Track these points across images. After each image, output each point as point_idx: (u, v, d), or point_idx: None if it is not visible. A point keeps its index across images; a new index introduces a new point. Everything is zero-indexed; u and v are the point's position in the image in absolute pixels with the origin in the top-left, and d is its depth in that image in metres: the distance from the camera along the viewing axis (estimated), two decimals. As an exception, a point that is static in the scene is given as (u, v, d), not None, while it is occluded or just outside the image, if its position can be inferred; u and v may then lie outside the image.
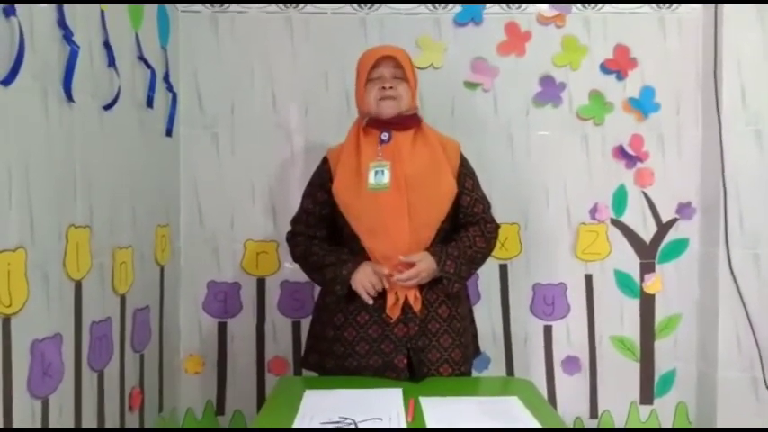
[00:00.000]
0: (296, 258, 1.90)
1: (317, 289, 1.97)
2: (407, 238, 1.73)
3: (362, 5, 2.34)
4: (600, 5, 2.36)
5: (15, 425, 1.24)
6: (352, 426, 1.33)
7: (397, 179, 1.73)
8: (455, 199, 1.80)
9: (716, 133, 2.29)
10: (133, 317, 1.87)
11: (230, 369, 2.39)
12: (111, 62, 1.66)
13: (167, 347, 2.21)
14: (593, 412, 2.42)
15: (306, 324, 2.25)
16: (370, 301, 1.72)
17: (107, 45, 1.64)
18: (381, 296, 1.74)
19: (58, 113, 1.41)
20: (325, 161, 1.87)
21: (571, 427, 2.39)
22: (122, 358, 1.80)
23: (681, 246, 2.41)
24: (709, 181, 2.36)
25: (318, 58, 2.34)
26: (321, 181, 1.85)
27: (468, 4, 2.34)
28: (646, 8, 2.37)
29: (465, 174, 1.84)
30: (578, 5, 2.36)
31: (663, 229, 2.41)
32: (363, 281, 1.72)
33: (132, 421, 1.88)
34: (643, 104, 2.38)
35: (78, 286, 1.51)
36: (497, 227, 1.88)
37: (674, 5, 2.37)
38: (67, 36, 1.42)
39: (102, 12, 1.62)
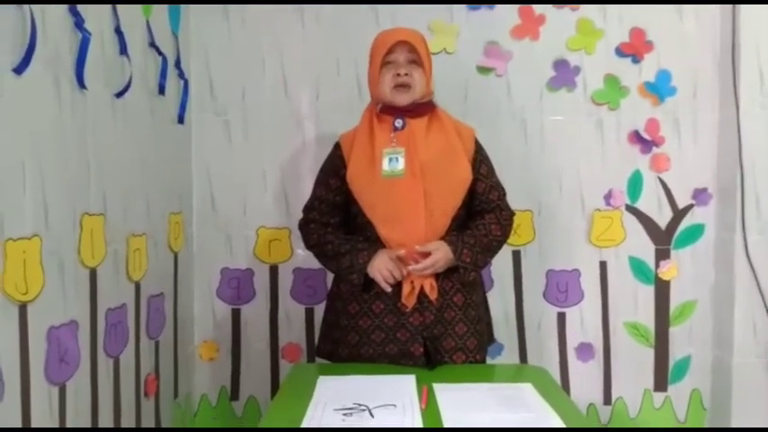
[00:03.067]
0: (310, 246, 1.89)
1: (330, 276, 1.97)
2: (423, 225, 1.72)
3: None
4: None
5: (33, 411, 1.25)
6: (366, 411, 1.34)
7: (412, 166, 1.71)
8: (470, 185, 1.78)
9: (733, 117, 2.25)
10: (148, 304, 1.88)
11: (244, 355, 2.40)
12: (123, 49, 1.66)
13: (182, 334, 2.23)
14: (607, 399, 2.41)
15: (318, 311, 2.26)
16: (389, 289, 1.72)
17: (119, 32, 1.64)
18: (397, 285, 1.73)
19: (70, 101, 1.41)
20: (337, 147, 1.85)
21: (584, 414, 2.38)
22: (137, 345, 1.81)
23: (697, 231, 2.38)
24: (725, 166, 2.32)
25: (330, 44, 2.32)
26: (334, 168, 1.84)
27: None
28: (662, -10, 2.33)
29: (480, 160, 1.83)
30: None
31: (679, 214, 2.38)
32: (381, 268, 1.71)
33: (148, 407, 1.90)
34: (659, 88, 2.34)
35: (93, 273, 1.52)
36: (512, 214, 1.87)
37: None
38: (79, 23, 1.42)
39: (114, -2, 1.62)
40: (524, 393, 1.48)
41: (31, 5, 1.23)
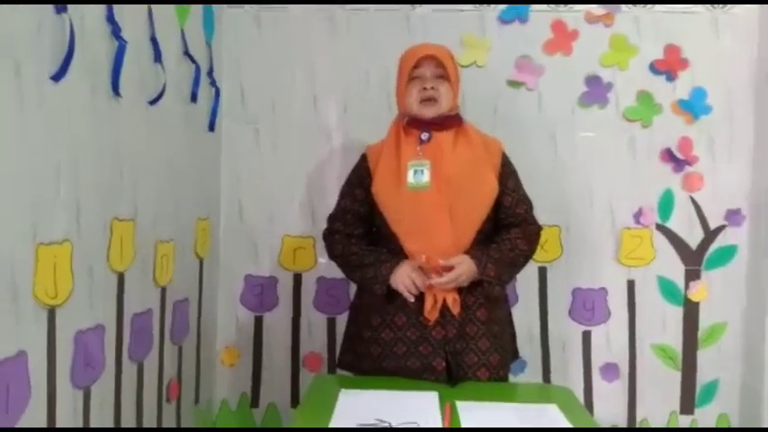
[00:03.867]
0: (333, 257, 1.89)
1: (353, 287, 1.97)
2: (448, 238, 1.71)
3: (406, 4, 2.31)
4: (651, 5, 2.29)
5: (58, 415, 1.27)
6: (388, 429, 1.32)
7: (437, 179, 1.71)
8: (497, 199, 1.77)
9: (770, 138, 2.21)
10: (173, 309, 1.89)
11: (265, 362, 2.41)
12: (158, 57, 1.68)
13: (205, 339, 2.24)
14: (632, 420, 2.37)
15: (341, 321, 2.26)
16: (412, 299, 1.71)
17: (154, 40, 1.66)
18: (419, 298, 1.72)
19: (105, 108, 1.43)
20: (363, 158, 1.86)
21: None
22: (161, 350, 1.82)
23: (729, 253, 2.33)
24: (760, 187, 2.27)
25: (360, 56, 2.33)
26: (360, 179, 1.84)
27: (515, 4, 2.29)
28: (698, 7, 2.29)
29: (507, 173, 1.81)
30: (628, 4, 2.29)
31: (710, 235, 2.33)
32: (404, 278, 1.70)
33: (169, 412, 1.91)
34: (693, 106, 2.30)
35: (121, 278, 1.54)
36: (540, 228, 1.85)
37: (729, 5, 2.28)
38: (116, 31, 1.44)
39: (150, 8, 1.64)
40: (549, 414, 1.46)
41: (70, 14, 1.25)
